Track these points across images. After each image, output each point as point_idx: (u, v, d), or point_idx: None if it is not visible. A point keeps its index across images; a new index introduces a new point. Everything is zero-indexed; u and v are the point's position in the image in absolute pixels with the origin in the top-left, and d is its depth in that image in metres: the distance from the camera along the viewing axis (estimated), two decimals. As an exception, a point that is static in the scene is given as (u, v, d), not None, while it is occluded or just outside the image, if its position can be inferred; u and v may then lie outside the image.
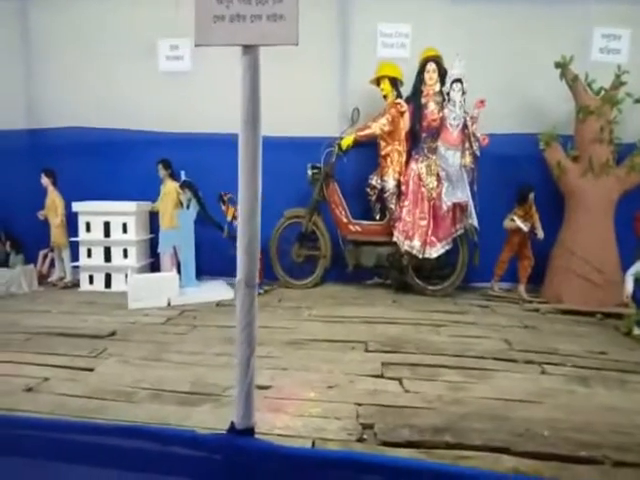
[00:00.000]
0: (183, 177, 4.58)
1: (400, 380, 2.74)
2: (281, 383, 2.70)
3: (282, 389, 2.62)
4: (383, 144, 4.54)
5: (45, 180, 5.04)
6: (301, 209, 4.80)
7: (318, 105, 5.05)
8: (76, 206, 4.88)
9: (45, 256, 5.28)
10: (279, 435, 2.14)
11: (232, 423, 1.75)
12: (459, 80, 4.19)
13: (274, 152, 5.06)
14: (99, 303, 4.41)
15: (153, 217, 5.32)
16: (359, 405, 2.45)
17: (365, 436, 2.18)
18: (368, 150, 4.91)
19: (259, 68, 1.68)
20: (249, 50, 1.64)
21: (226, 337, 3.45)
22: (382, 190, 4.56)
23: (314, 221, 4.75)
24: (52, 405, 2.34)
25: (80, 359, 2.97)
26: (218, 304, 4.41)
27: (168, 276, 4.37)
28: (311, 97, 5.06)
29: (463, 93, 4.21)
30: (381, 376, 2.80)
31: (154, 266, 5.30)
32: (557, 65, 4.27)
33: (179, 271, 5.04)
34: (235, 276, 5.70)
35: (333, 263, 4.89)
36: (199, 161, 4.99)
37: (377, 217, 4.76)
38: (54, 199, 5.02)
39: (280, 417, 2.32)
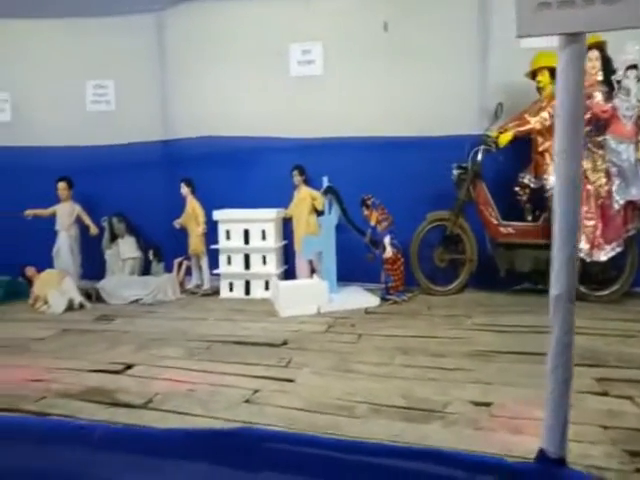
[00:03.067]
0: (326, 183, 4.52)
1: (632, 399, 2.49)
2: (499, 400, 2.52)
3: (505, 407, 2.44)
4: (540, 139, 4.24)
5: (185, 189, 5.17)
6: (444, 211, 4.61)
7: (455, 101, 4.84)
8: (216, 214, 4.97)
9: (180, 264, 5.39)
10: (544, 460, 1.96)
11: (542, 450, 1.59)
12: (634, 66, 3.83)
13: (410, 153, 5.00)
14: (248, 311, 4.44)
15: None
16: (604, 428, 2.23)
17: (640, 466, 1.96)
18: (512, 146, 4.64)
19: (585, 58, 1.50)
20: (575, 38, 1.47)
21: (399, 347, 3.34)
22: (542, 189, 4.26)
23: (460, 224, 4.54)
24: (283, 419, 2.30)
25: (274, 369, 2.95)
26: (367, 311, 4.31)
27: (318, 283, 4.32)
28: (447, 93, 4.86)
29: (638, 80, 3.84)
30: (606, 394, 2.56)
31: (286, 273, 5.30)
32: None
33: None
34: (372, 282, 5.42)
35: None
36: (331, 166, 4.92)
37: (529, 218, 4.47)
38: (194, 208, 5.14)
39: (527, 439, 2.14)
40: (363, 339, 3.53)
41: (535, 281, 4.54)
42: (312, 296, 4.25)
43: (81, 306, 4.58)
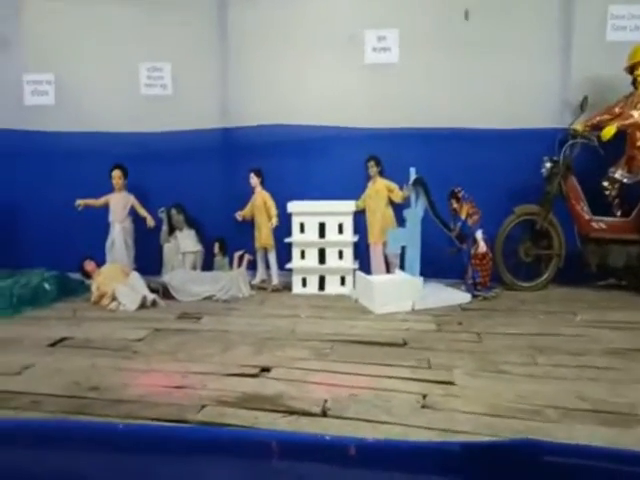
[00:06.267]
0: (414, 174, 4.34)
1: None
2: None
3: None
4: (639, 134, 4.18)
5: (254, 180, 4.90)
6: (533, 205, 4.50)
7: (537, 94, 4.73)
8: (291, 206, 4.73)
9: (240, 258, 5.10)
10: None
11: None
12: None
13: (487, 145, 4.86)
14: (334, 307, 4.25)
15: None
16: None
17: None
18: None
19: None
20: None
21: (531, 346, 3.20)
22: (638, 184, 4.20)
23: (549, 218, 4.44)
24: (479, 425, 2.14)
25: (421, 371, 2.78)
26: (462, 308, 4.17)
27: (412, 279, 4.15)
28: (529, 85, 4.74)
29: None
30: None
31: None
32: None
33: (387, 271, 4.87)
34: (445, 277, 5.23)
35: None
36: (406, 157, 4.73)
37: (618, 213, 4.41)
38: (265, 200, 4.87)
39: None
40: (484, 338, 3.38)
41: (622, 277, 4.50)
42: (407, 292, 4.09)
43: (153, 303, 4.28)
